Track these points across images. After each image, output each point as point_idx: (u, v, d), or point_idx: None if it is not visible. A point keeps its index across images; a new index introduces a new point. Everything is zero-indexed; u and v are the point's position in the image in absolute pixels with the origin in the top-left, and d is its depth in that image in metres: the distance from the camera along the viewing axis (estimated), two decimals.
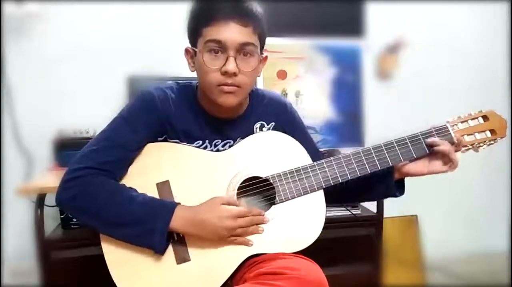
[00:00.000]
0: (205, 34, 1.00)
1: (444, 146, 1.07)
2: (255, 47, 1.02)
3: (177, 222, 0.99)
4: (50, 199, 1.43)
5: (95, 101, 1.91)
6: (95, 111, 1.80)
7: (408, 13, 2.23)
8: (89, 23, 1.94)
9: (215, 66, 1.00)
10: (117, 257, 1.02)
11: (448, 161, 1.08)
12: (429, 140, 1.08)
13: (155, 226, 0.98)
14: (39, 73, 1.92)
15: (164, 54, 1.86)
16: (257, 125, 1.14)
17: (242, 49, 1.01)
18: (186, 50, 1.08)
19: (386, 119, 2.12)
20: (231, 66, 0.99)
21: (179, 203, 1.02)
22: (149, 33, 1.96)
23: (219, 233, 1.01)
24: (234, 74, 1.00)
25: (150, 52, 1.95)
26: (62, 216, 1.69)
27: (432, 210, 2.27)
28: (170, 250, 1.02)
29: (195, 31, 1.03)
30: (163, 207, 1.01)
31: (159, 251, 1.00)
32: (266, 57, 1.11)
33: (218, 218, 1.00)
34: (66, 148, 1.70)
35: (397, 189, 1.14)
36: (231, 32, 0.99)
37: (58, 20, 1.91)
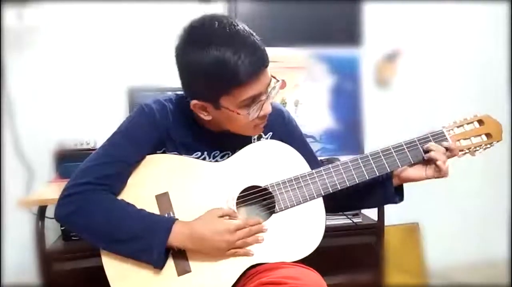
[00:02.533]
0: (237, 94, 0.95)
1: (435, 153, 1.08)
2: None
3: (175, 238, 0.99)
4: (51, 211, 1.43)
5: (95, 113, 1.92)
6: (95, 122, 1.83)
7: (406, 22, 2.25)
8: (89, 36, 1.96)
9: (255, 116, 1.00)
10: (117, 269, 1.02)
11: (438, 168, 1.09)
12: (425, 146, 1.10)
13: (153, 243, 0.98)
14: (40, 85, 1.93)
15: (164, 66, 1.88)
16: (255, 135, 1.14)
17: None
18: (196, 105, 1.01)
19: (385, 126, 2.13)
20: (269, 108, 1.01)
21: (177, 219, 1.02)
22: (148, 45, 1.98)
23: (218, 247, 1.01)
24: None
25: (150, 64, 1.97)
26: (62, 228, 1.69)
27: (433, 218, 2.26)
28: (170, 261, 1.02)
29: (217, 91, 0.97)
30: (161, 223, 1.00)
31: (158, 267, 1.00)
32: None
33: (216, 233, 0.99)
34: (66, 160, 1.71)
35: (397, 195, 1.15)
36: (263, 81, 0.97)
37: (58, 33, 1.93)
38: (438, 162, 1.07)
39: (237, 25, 0.96)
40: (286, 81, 2.05)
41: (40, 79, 1.93)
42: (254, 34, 0.97)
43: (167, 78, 1.70)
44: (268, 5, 2.03)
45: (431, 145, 1.09)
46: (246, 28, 0.97)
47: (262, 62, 0.96)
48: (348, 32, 2.16)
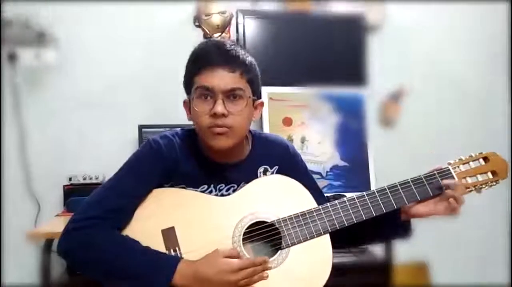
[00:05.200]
0: (195, 82, 1.05)
1: (455, 192, 1.07)
2: (243, 91, 1.06)
3: (178, 278, 0.98)
4: None
5: (106, 149, 1.95)
6: (105, 158, 1.85)
7: (409, 62, 2.31)
8: (102, 73, 2.02)
9: (205, 110, 1.04)
10: None
11: (451, 206, 1.08)
12: (446, 181, 1.09)
13: (156, 282, 0.97)
14: (51, 120, 1.98)
15: (173, 104, 1.93)
16: (261, 169, 1.15)
17: (231, 93, 1.04)
18: (184, 102, 1.12)
19: (391, 164, 2.13)
20: (219, 108, 1.02)
21: (182, 258, 1.01)
22: (159, 82, 2.03)
23: None
24: (223, 115, 1.03)
25: (160, 101, 2.01)
26: None
27: (438, 254, 2.23)
28: None
29: (188, 82, 1.08)
30: (165, 262, 1.00)
31: None
32: (262, 102, 1.15)
33: (220, 273, 0.98)
34: (75, 194, 1.72)
35: (404, 230, 1.14)
36: (218, 78, 1.03)
37: (73, 71, 2.00)
38: (456, 203, 1.07)
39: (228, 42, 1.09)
40: (292, 119, 2.09)
41: (52, 115, 1.98)
42: (246, 53, 1.08)
43: (176, 116, 1.75)
44: (274, 45, 2.10)
45: (451, 183, 1.08)
46: (238, 47, 1.08)
47: (220, 59, 1.04)
48: (352, 72, 2.20)
